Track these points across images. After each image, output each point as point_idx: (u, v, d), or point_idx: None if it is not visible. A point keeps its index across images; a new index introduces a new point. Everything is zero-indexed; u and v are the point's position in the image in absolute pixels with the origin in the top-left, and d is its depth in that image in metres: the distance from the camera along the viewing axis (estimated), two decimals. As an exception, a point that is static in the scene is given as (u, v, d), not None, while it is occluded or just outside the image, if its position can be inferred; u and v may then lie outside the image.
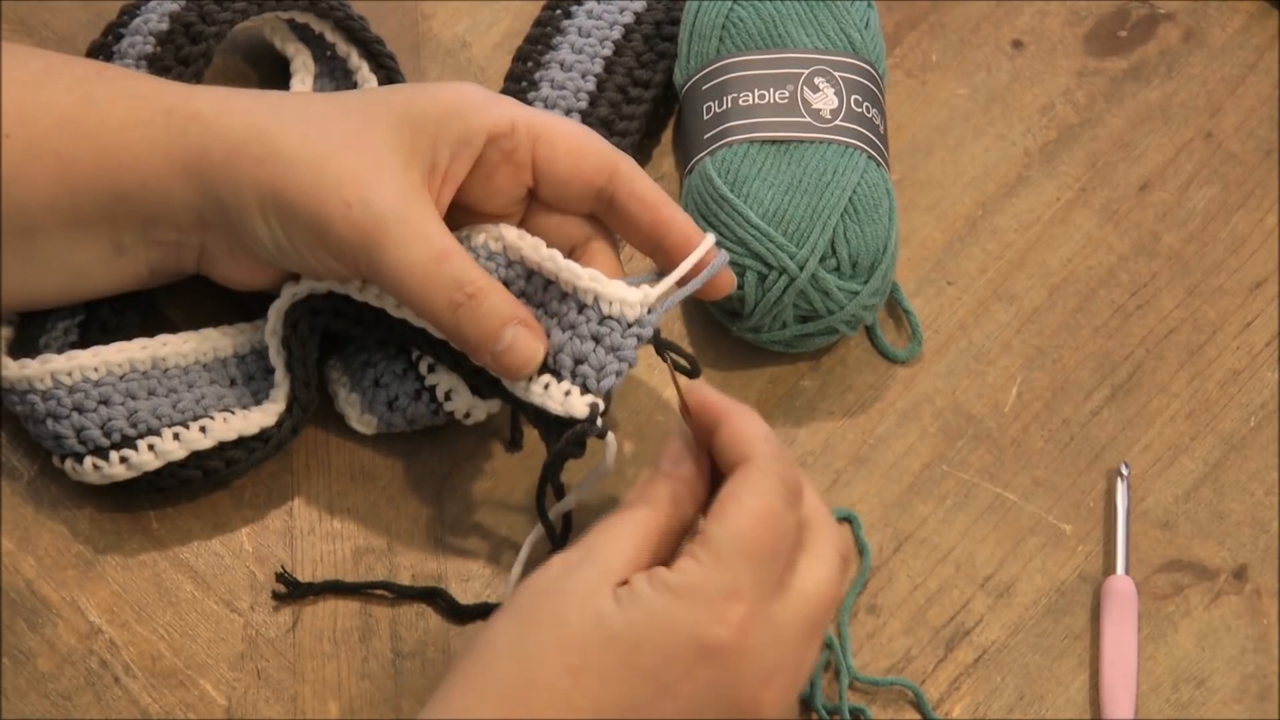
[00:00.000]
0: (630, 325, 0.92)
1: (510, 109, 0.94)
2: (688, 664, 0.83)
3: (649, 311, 0.92)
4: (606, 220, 0.96)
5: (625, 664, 0.83)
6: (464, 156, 0.93)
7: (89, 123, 0.93)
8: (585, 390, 0.91)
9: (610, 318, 0.92)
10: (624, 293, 0.92)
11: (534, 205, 0.96)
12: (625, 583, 0.84)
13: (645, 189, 0.95)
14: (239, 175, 0.92)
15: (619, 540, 0.86)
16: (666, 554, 0.87)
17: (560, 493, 0.93)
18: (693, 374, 0.96)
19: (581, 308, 0.93)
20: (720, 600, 0.83)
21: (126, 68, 1.02)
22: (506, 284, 0.94)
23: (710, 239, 0.95)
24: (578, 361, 0.92)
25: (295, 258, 0.94)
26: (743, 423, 0.87)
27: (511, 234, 0.95)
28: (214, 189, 0.93)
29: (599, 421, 0.90)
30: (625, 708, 0.83)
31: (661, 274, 0.94)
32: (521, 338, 0.91)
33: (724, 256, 0.96)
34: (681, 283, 0.94)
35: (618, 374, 0.91)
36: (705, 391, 0.89)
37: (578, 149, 0.94)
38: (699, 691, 0.84)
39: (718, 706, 0.84)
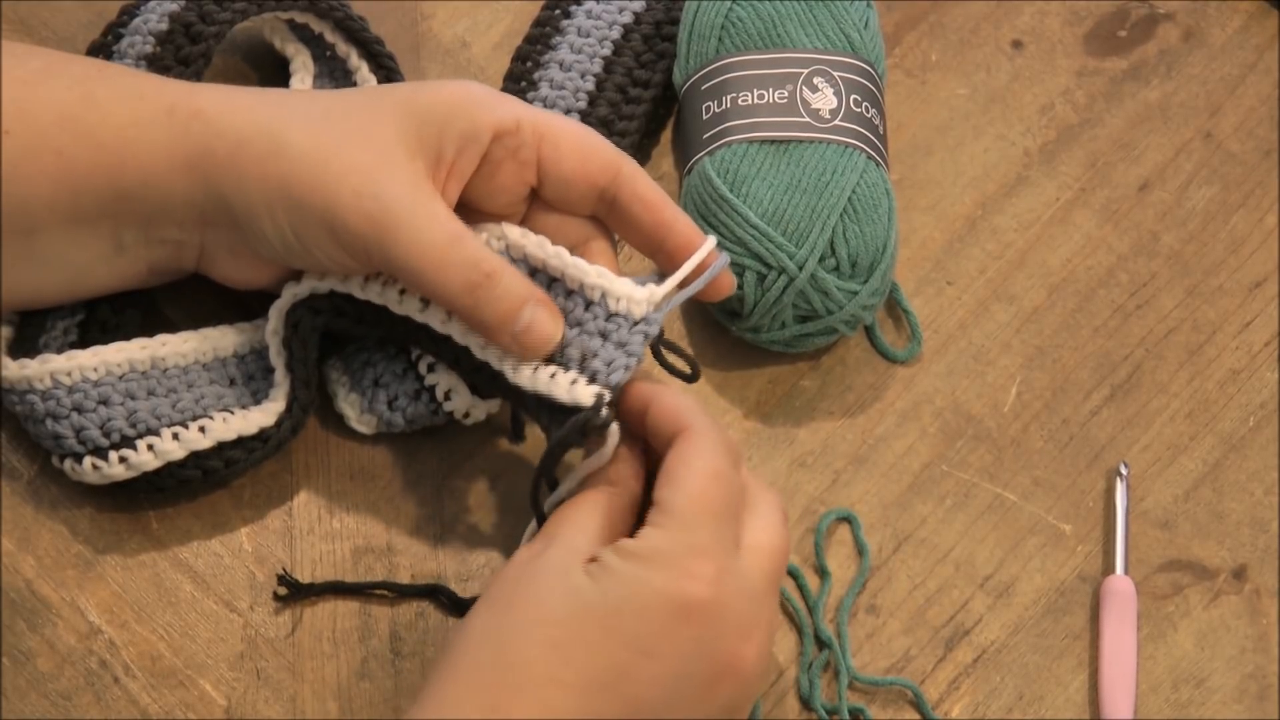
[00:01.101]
0: (637, 322, 0.92)
1: (516, 107, 0.94)
2: (666, 624, 0.85)
3: (655, 309, 0.93)
4: (608, 221, 0.96)
5: (606, 633, 0.85)
6: (470, 152, 0.93)
7: (89, 121, 0.93)
8: (592, 382, 0.91)
9: (617, 314, 0.92)
10: (631, 290, 0.92)
11: (534, 205, 0.96)
12: (594, 559, 0.87)
13: (647, 190, 0.95)
14: (244, 173, 0.92)
15: (578, 521, 0.89)
16: (623, 530, 0.89)
17: (554, 485, 0.93)
18: (692, 377, 0.96)
19: (588, 304, 0.93)
20: (688, 559, 0.86)
21: (127, 66, 1.02)
22: None
23: (711, 241, 0.95)
24: (586, 356, 0.92)
25: (302, 253, 0.93)
26: (671, 398, 0.91)
27: (514, 232, 0.95)
28: (219, 187, 0.93)
29: (604, 411, 0.90)
30: (611, 675, 0.85)
31: (661, 275, 0.95)
32: (540, 316, 0.92)
33: (724, 259, 0.96)
34: (683, 285, 0.94)
35: (626, 369, 0.91)
36: (631, 382, 0.92)
37: (582, 149, 0.94)
38: (681, 650, 0.85)
39: (701, 663, 0.86)
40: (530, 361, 0.93)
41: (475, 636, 0.86)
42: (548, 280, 0.94)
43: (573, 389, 0.91)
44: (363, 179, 0.91)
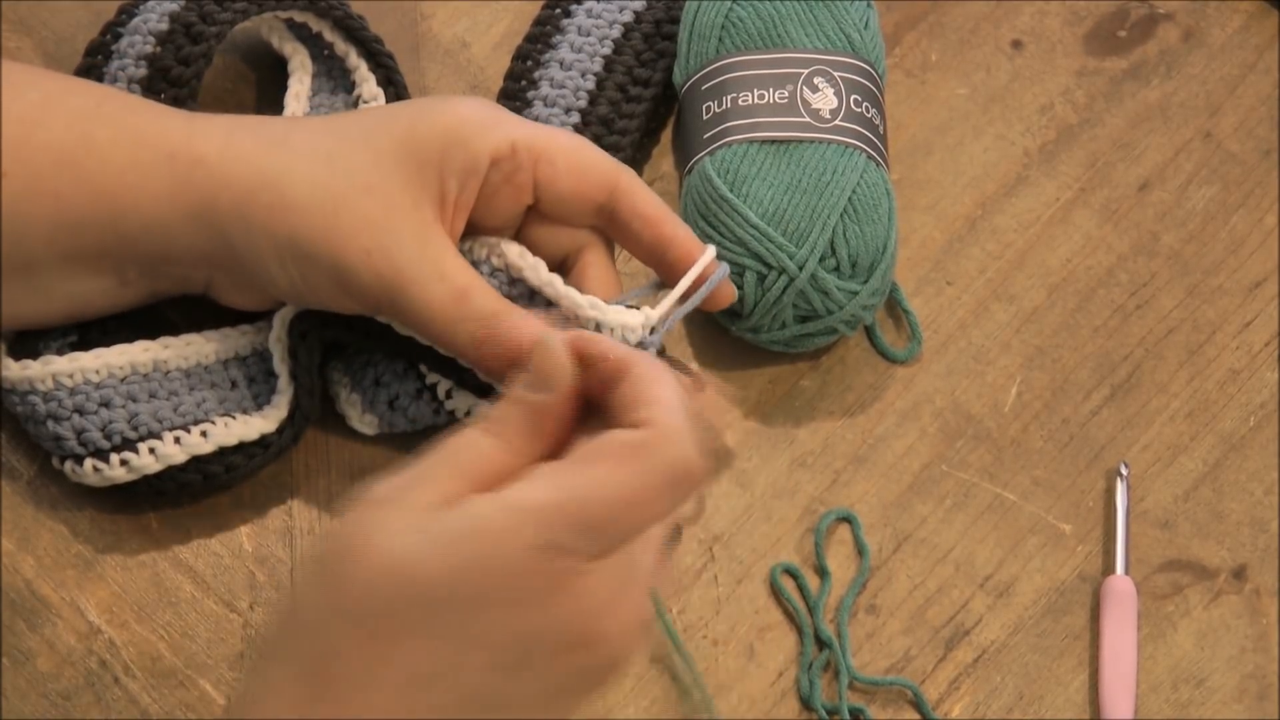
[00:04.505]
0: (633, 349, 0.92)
1: (510, 129, 0.93)
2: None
3: (651, 332, 0.93)
4: (608, 233, 0.96)
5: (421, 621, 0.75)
6: (471, 185, 0.93)
7: (89, 166, 0.92)
8: None
9: None
10: (625, 318, 0.92)
11: (531, 214, 0.96)
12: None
13: (646, 204, 0.94)
14: (251, 224, 0.91)
15: (440, 475, 0.78)
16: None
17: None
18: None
19: None
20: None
21: (124, 91, 1.00)
22: (510, 301, 0.94)
23: (711, 252, 0.95)
24: None
25: (312, 298, 0.93)
26: (651, 385, 0.78)
27: (513, 252, 0.95)
28: (225, 236, 0.92)
29: None
30: (431, 669, 0.76)
31: (661, 284, 0.95)
32: None
33: (724, 270, 0.95)
34: (683, 298, 0.94)
35: None
36: (604, 341, 0.80)
37: (579, 166, 0.94)
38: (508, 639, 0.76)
39: (546, 648, 0.77)
40: None
41: (302, 611, 0.78)
42: (545, 303, 0.94)
43: None
44: (372, 236, 0.90)
